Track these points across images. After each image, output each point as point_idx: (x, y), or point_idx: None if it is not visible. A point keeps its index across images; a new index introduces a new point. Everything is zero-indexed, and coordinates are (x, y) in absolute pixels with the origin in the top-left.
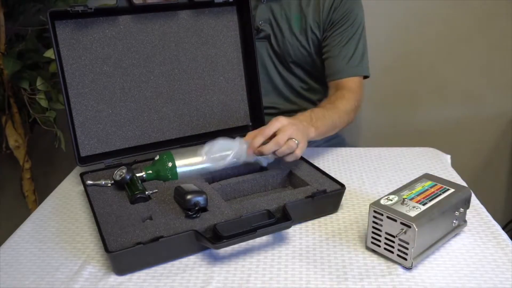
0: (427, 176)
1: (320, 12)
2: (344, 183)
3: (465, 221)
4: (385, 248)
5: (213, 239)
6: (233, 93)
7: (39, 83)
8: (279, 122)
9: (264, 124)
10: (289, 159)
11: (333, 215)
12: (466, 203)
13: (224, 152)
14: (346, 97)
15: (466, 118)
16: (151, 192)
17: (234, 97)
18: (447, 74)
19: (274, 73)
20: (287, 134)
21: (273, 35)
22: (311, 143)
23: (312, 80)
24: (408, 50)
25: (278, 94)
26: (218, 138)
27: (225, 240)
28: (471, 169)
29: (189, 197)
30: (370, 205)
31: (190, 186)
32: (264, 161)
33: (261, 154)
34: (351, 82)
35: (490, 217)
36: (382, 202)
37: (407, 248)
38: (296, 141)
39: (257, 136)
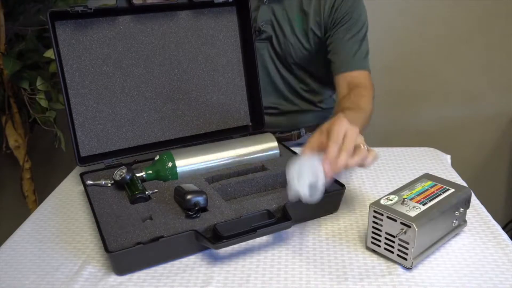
0: (427, 176)
1: (321, 12)
2: (344, 183)
3: (465, 221)
4: (385, 248)
5: (213, 239)
6: (233, 93)
7: (39, 83)
8: (343, 125)
9: (264, 125)
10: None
11: (333, 215)
12: (466, 203)
13: (309, 177)
14: (365, 96)
15: (466, 118)
16: (151, 192)
17: (234, 97)
18: (447, 74)
19: (275, 74)
20: (353, 138)
21: (274, 36)
22: None
23: (313, 81)
24: (408, 50)
25: (279, 95)
26: (292, 164)
27: (225, 240)
28: (471, 169)
29: (189, 197)
30: (370, 205)
31: (190, 186)
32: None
33: (340, 170)
34: (362, 77)
35: (490, 217)
36: (382, 202)
37: (407, 248)
38: (365, 147)
39: (332, 146)
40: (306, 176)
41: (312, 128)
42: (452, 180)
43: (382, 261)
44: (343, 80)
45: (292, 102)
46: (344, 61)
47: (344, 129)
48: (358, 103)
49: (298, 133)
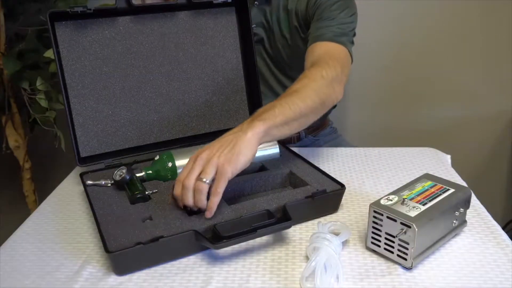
0: (427, 176)
1: (300, 8)
2: (344, 183)
3: (465, 221)
4: (385, 248)
5: (213, 239)
6: (232, 94)
7: (39, 83)
8: (190, 159)
9: None
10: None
11: (333, 215)
12: (466, 203)
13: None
14: (328, 64)
15: (466, 118)
16: (151, 192)
17: (233, 98)
18: (447, 74)
19: (270, 76)
20: (194, 169)
21: (266, 38)
22: (311, 144)
23: None
24: (408, 50)
25: (275, 97)
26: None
27: (225, 240)
28: (471, 169)
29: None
30: (370, 205)
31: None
32: None
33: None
34: (335, 49)
35: (490, 217)
36: (382, 202)
37: (407, 248)
38: (205, 179)
39: (179, 190)
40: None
41: (311, 130)
42: (452, 180)
43: (382, 261)
44: (311, 52)
45: None
46: (315, 37)
47: (187, 169)
48: (307, 74)
49: (297, 136)
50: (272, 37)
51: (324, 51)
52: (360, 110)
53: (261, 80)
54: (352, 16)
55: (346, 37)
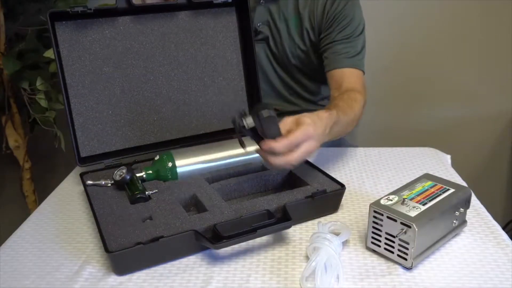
0: (427, 176)
1: (315, 14)
2: (344, 183)
3: (465, 221)
4: (385, 248)
5: (213, 239)
6: (232, 94)
7: (39, 83)
8: (308, 134)
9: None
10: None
11: (333, 215)
12: (466, 203)
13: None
14: (357, 101)
15: (466, 118)
16: (151, 192)
17: (233, 98)
18: (447, 74)
19: (273, 75)
20: (304, 155)
21: (271, 37)
22: None
23: (311, 82)
24: (408, 50)
25: (277, 95)
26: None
27: (225, 240)
28: (471, 169)
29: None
30: (370, 205)
31: None
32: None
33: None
34: (355, 77)
35: (490, 217)
36: (382, 202)
37: (407, 248)
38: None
39: (281, 143)
40: (330, 273)
41: None
42: (452, 180)
43: (382, 261)
44: (335, 77)
45: (292, 102)
46: (336, 59)
47: (305, 138)
48: (350, 105)
49: None
50: (278, 36)
51: (354, 81)
52: None
53: (263, 78)
54: (364, 30)
55: (362, 57)
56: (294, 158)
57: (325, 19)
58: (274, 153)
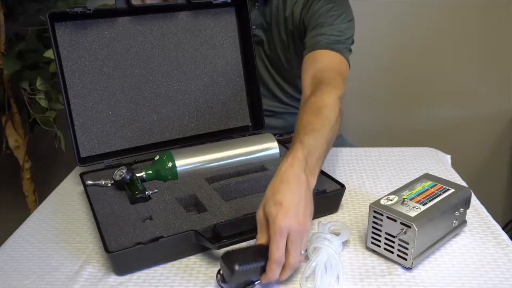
0: (427, 176)
1: (296, 14)
2: (344, 183)
3: (465, 221)
4: (385, 248)
5: (213, 239)
6: (232, 94)
7: (39, 83)
8: (282, 230)
9: (263, 126)
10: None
11: (333, 215)
12: (466, 203)
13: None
14: (328, 93)
15: (466, 118)
16: (151, 192)
17: (233, 98)
18: (446, 74)
19: (268, 77)
20: (298, 245)
21: (265, 40)
22: None
23: None
24: (407, 50)
25: (273, 97)
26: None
27: (225, 240)
28: (471, 169)
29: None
30: (370, 205)
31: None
32: None
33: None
34: (334, 60)
35: (490, 217)
36: (382, 202)
37: (407, 248)
38: (303, 252)
39: (272, 266)
40: (330, 274)
41: None
42: (452, 180)
43: (382, 261)
44: (306, 63)
45: (287, 104)
46: (311, 42)
47: (283, 235)
48: (318, 113)
49: None
50: (271, 40)
51: (325, 64)
52: (360, 110)
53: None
54: (349, 23)
55: (343, 45)
56: (293, 259)
57: (304, 19)
58: (275, 277)
